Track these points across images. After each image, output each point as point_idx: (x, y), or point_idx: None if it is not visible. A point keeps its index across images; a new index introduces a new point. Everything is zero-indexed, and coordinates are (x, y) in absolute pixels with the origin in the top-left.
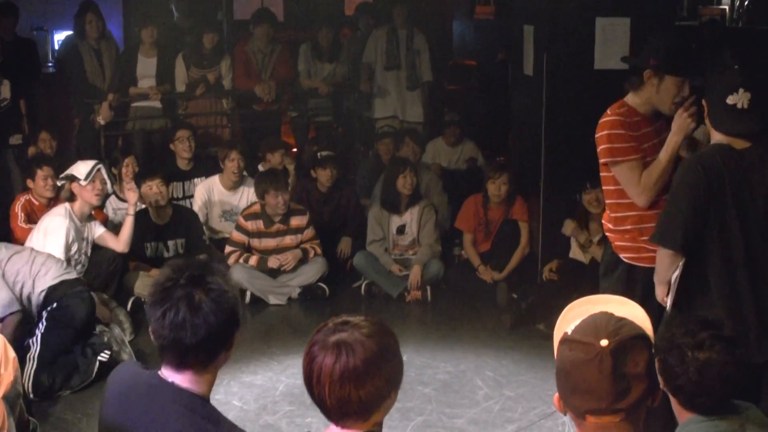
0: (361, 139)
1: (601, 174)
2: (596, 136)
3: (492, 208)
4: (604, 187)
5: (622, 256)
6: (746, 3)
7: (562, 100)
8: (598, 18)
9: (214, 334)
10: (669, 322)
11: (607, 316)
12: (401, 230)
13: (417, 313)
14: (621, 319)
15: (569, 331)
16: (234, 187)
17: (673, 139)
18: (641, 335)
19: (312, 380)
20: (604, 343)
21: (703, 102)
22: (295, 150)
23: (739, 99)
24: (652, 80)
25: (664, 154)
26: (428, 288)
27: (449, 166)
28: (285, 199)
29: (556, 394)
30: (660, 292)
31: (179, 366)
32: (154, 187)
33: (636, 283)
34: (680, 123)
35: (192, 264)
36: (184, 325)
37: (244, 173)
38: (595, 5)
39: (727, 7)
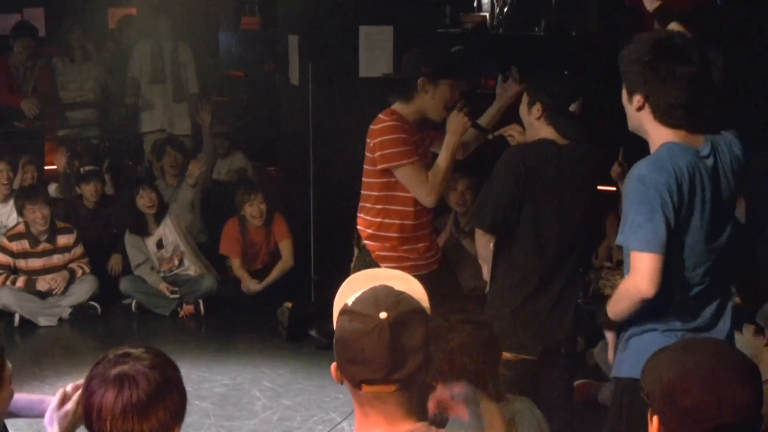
0: (129, 154)
1: (368, 180)
2: (373, 142)
3: (252, 231)
4: (369, 193)
5: (383, 265)
6: (506, 10)
7: (328, 109)
8: (362, 26)
9: None
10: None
11: (388, 290)
12: (160, 245)
13: (191, 328)
14: (400, 293)
15: (350, 303)
16: (3, 200)
17: (452, 139)
18: (419, 309)
19: (92, 416)
20: (383, 315)
21: (539, 105)
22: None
23: (577, 106)
24: (426, 87)
25: (446, 153)
26: (201, 302)
27: (219, 177)
28: (44, 214)
29: (334, 363)
30: (484, 271)
31: None
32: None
33: None
34: (457, 123)
35: None
36: None
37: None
38: (358, 14)
39: (487, 15)
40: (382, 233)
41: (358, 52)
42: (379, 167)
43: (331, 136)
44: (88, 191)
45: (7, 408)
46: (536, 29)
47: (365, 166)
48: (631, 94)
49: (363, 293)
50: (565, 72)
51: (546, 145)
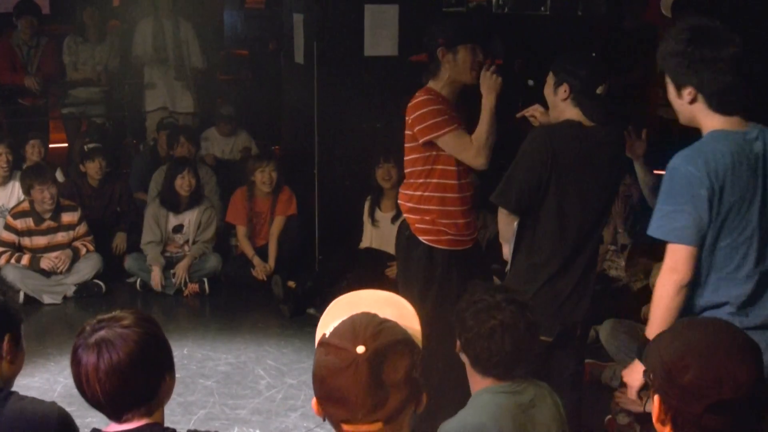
0: (133, 132)
1: (408, 157)
2: (410, 118)
3: (259, 200)
4: (410, 169)
5: (421, 238)
6: None
7: (333, 88)
8: (367, 5)
9: None
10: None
11: (368, 318)
12: (178, 229)
13: (195, 307)
14: (382, 322)
15: (327, 333)
16: (3, 182)
17: (488, 99)
18: (402, 340)
19: (82, 384)
20: (360, 349)
21: (566, 86)
22: (66, 145)
23: (604, 88)
24: (447, 57)
25: (485, 115)
26: (205, 280)
27: (223, 156)
28: (51, 193)
29: (314, 398)
30: (505, 250)
31: None
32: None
33: (435, 265)
34: (489, 83)
35: None
36: None
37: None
38: None
39: None
40: (423, 206)
41: (364, 30)
42: (421, 141)
43: (335, 115)
44: (93, 168)
45: (21, 368)
46: (542, 9)
47: (405, 144)
48: (680, 88)
49: (342, 323)
50: (593, 54)
51: (572, 126)
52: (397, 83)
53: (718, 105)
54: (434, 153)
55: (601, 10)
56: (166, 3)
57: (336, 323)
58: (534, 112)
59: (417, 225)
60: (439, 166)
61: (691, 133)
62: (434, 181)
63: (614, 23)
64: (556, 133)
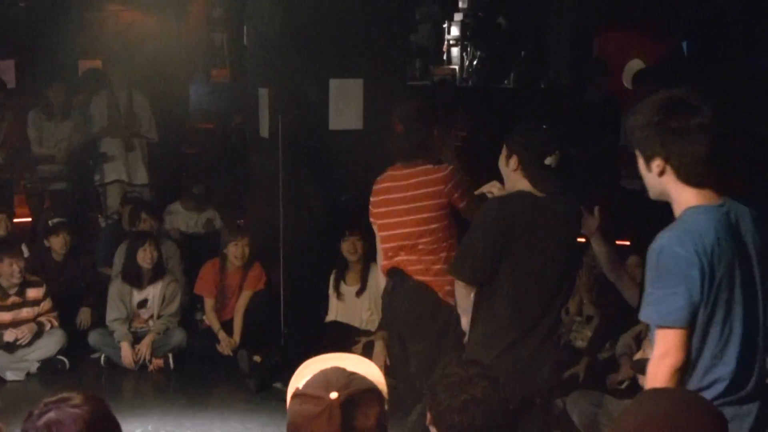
0: (98, 206)
1: (437, 225)
2: (449, 185)
3: (230, 274)
4: (438, 236)
5: (452, 300)
6: (475, 63)
7: (298, 162)
8: (332, 79)
9: None
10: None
11: (339, 371)
12: (143, 304)
13: (161, 382)
14: (352, 374)
15: (300, 386)
16: None
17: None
18: (372, 389)
19: None
20: (333, 396)
21: (516, 157)
22: (30, 220)
23: (553, 159)
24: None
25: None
26: (170, 356)
27: (188, 230)
28: (20, 267)
29: None
30: (463, 321)
31: None
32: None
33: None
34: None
35: None
36: None
37: None
38: (329, 67)
39: (457, 67)
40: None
41: (328, 104)
42: (461, 205)
43: (300, 189)
44: (57, 243)
45: None
46: (506, 82)
47: (427, 215)
48: (649, 161)
49: (314, 375)
50: (544, 126)
51: (523, 197)
52: (362, 157)
53: (687, 176)
54: (449, 212)
55: (565, 82)
56: (119, 76)
57: (306, 379)
58: (491, 188)
59: (447, 287)
60: (453, 225)
61: (658, 205)
62: (454, 241)
63: (577, 95)
64: (507, 204)
